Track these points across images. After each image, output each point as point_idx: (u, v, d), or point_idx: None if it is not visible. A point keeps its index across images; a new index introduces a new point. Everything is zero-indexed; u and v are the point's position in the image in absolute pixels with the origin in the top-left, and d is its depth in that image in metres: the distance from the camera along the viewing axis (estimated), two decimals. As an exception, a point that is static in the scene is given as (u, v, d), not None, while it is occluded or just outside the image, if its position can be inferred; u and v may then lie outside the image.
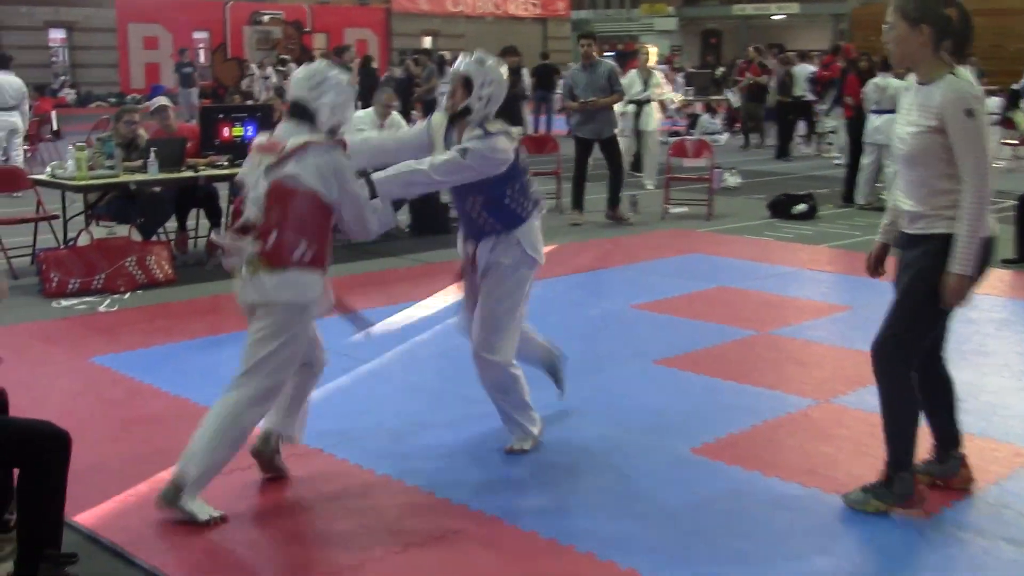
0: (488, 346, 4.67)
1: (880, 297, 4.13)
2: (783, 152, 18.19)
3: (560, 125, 20.71)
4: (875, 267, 4.31)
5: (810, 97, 18.35)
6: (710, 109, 22.45)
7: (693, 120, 21.40)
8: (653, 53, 13.90)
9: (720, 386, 5.83)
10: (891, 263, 4.22)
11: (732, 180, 14.23)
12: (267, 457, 4.49)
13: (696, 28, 45.68)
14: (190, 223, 9.66)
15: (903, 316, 3.98)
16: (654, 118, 13.88)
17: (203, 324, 7.15)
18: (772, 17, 45.32)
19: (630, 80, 13.58)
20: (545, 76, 21.57)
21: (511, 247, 4.68)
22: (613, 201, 11.50)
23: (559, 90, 16.23)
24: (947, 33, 3.87)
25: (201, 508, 4.09)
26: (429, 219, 10.69)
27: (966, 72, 3.90)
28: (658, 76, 13.76)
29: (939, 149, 3.83)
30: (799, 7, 44.06)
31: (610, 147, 11.33)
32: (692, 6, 46.42)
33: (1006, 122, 17.14)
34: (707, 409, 5.47)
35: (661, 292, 8.11)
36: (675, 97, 13.66)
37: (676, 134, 18.81)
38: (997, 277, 8.10)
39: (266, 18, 34.68)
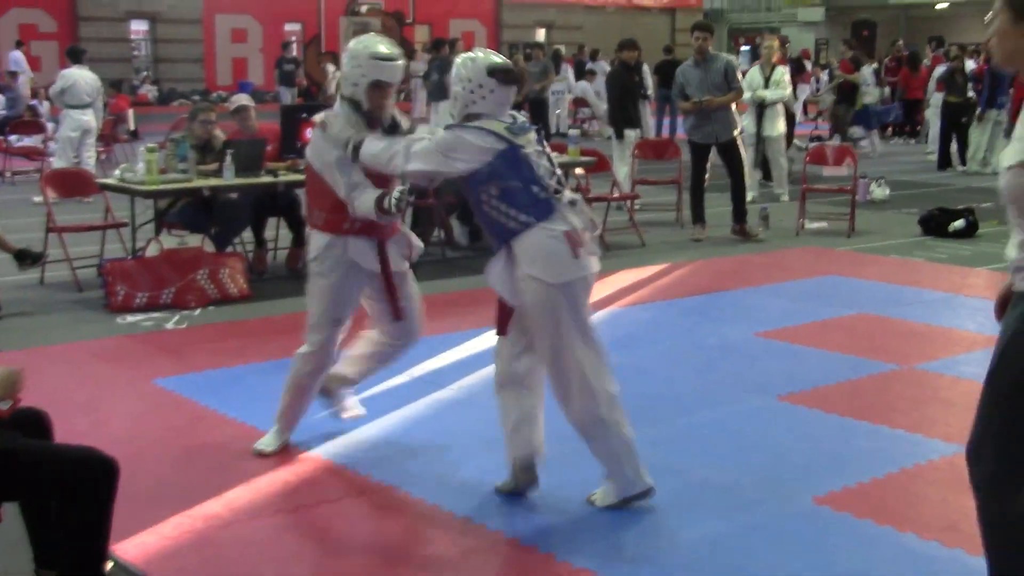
0: (557, 392, 4.62)
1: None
2: (946, 161, 17.80)
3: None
4: (1002, 313, 3.47)
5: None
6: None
7: (837, 123, 21.04)
8: (775, 46, 13.70)
9: (852, 427, 5.73)
10: None
11: (879, 192, 13.98)
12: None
13: (846, 19, 44.81)
14: (269, 234, 9.76)
15: (994, 414, 3.28)
16: (778, 122, 13.61)
17: (278, 345, 7.23)
18: (936, 7, 44.39)
19: (750, 78, 13.44)
20: (669, 73, 21.40)
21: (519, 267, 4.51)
22: (738, 214, 11.35)
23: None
24: None
25: (268, 442, 5.28)
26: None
27: None
28: (781, 73, 13.54)
29: None
30: (968, -6, 43.07)
31: (729, 152, 11.16)
32: (842, -6, 45.71)
33: None
34: (835, 453, 5.38)
35: (790, 319, 8.01)
36: (783, 95, 13.34)
37: (818, 139, 18.55)
38: None
39: (364, 8, 35.19)
